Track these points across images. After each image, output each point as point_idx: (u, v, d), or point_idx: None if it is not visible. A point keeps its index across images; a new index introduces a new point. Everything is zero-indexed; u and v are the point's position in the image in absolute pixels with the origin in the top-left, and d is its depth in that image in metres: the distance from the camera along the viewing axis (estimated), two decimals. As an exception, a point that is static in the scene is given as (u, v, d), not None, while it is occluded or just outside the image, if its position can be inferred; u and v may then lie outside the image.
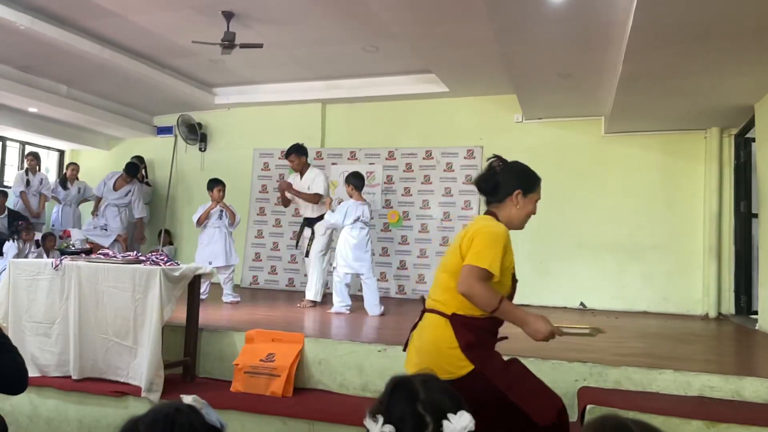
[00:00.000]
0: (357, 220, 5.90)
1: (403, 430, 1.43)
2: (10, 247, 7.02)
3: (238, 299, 6.48)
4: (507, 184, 2.49)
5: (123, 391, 3.78)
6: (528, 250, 7.13)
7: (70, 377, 3.93)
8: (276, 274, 8.64)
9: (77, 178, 9.04)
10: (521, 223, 2.53)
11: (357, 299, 6.16)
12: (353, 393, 3.83)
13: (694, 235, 7.24)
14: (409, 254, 8.07)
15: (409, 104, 8.25)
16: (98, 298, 3.88)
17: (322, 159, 8.52)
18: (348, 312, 5.83)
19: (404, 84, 7.93)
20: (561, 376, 3.43)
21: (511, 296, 2.44)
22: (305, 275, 6.96)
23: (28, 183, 8.50)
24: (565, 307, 7.38)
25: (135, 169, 8.43)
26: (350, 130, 8.67)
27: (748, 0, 3.95)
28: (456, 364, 2.28)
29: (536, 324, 2.30)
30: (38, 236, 7.52)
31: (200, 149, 9.38)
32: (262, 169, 8.98)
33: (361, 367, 3.84)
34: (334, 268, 6.04)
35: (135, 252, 4.49)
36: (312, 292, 6.29)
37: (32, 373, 3.74)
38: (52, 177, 9.62)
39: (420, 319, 2.50)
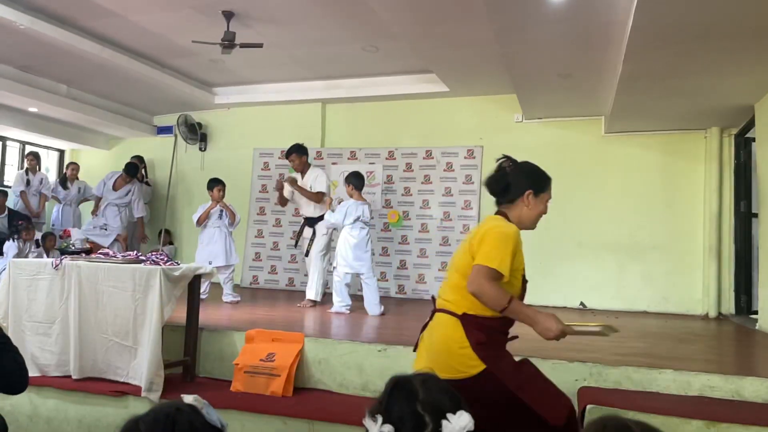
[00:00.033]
0: (357, 219, 5.90)
1: (402, 430, 1.43)
2: (10, 246, 7.02)
3: (238, 299, 6.48)
4: (518, 184, 2.48)
5: (123, 390, 3.78)
6: (528, 249, 7.09)
7: (70, 377, 3.93)
8: (276, 273, 8.64)
9: (77, 178, 9.04)
10: (532, 224, 2.52)
11: (357, 299, 6.16)
12: (353, 393, 3.83)
13: (694, 235, 7.24)
14: (409, 254, 8.07)
15: (409, 104, 8.25)
16: (98, 298, 3.88)
17: (322, 159, 8.52)
18: (348, 312, 5.83)
19: (404, 84, 7.93)
20: (561, 376, 3.43)
21: (521, 297, 2.43)
22: (305, 275, 6.96)
23: (28, 183, 8.50)
24: (565, 307, 7.38)
25: (135, 169, 8.43)
26: (350, 130, 8.67)
27: (748, 0, 3.95)
28: (467, 364, 2.27)
29: (546, 322, 2.29)
30: (38, 236, 7.52)
31: (200, 149, 9.38)
32: (262, 169, 8.98)
33: (361, 366, 3.84)
34: (334, 267, 6.04)
35: (135, 252, 4.49)
36: (312, 292, 6.29)
37: (32, 372, 3.74)
38: (52, 177, 9.62)
39: (430, 319, 2.48)
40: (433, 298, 2.54)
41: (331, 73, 7.98)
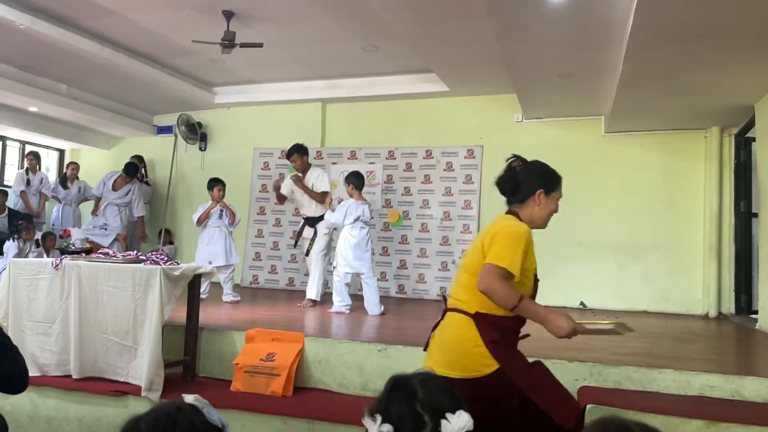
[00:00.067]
0: (357, 219, 5.90)
1: (401, 430, 1.43)
2: (10, 246, 7.02)
3: (238, 299, 6.48)
4: (529, 184, 2.48)
5: (123, 390, 3.78)
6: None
7: (70, 376, 3.93)
8: (276, 273, 8.64)
9: (77, 178, 9.05)
10: (544, 223, 2.52)
11: (357, 299, 6.16)
12: (353, 392, 3.83)
13: (694, 235, 7.24)
14: (409, 254, 8.07)
15: (410, 104, 8.25)
16: (98, 298, 3.89)
17: (323, 158, 8.52)
18: (348, 311, 5.83)
19: (404, 83, 7.93)
20: (561, 375, 3.41)
21: (533, 296, 2.42)
22: (305, 274, 6.96)
23: (28, 182, 8.51)
24: (565, 307, 7.37)
25: (134, 169, 8.42)
26: (350, 130, 8.67)
27: (748, 0, 3.95)
28: (481, 362, 2.27)
29: (558, 321, 2.28)
30: (38, 236, 7.52)
31: (200, 149, 9.37)
32: (262, 169, 8.98)
33: (361, 366, 3.85)
34: (334, 267, 6.04)
35: (135, 251, 4.49)
36: (313, 292, 6.29)
37: (32, 372, 3.74)
38: (53, 176, 9.62)
39: (442, 318, 2.47)
40: (444, 298, 2.53)
41: (331, 73, 7.98)
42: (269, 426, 3.49)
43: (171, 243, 9.26)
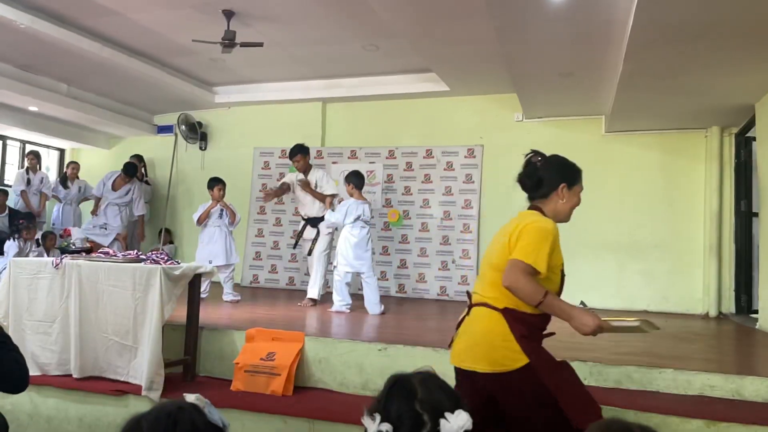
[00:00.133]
0: (357, 219, 5.90)
1: (400, 429, 1.43)
2: (10, 245, 7.03)
3: (239, 298, 6.48)
4: (551, 178, 2.47)
5: (123, 389, 3.78)
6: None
7: (70, 376, 3.93)
8: (276, 273, 8.64)
9: (78, 177, 9.05)
10: (567, 216, 2.51)
11: (357, 298, 6.16)
12: (353, 392, 3.83)
13: (694, 234, 7.24)
14: (409, 253, 8.07)
15: (410, 103, 8.25)
16: (98, 297, 3.89)
17: (323, 158, 8.52)
18: (348, 311, 5.83)
19: (404, 83, 7.93)
20: (561, 375, 3.43)
21: (559, 292, 2.40)
22: (306, 274, 6.96)
23: (28, 182, 8.51)
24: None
25: (133, 169, 8.42)
26: (350, 129, 8.67)
27: (748, 0, 3.95)
28: (510, 357, 2.25)
29: (583, 318, 2.26)
30: (38, 235, 7.52)
31: (200, 148, 9.38)
32: (262, 168, 8.98)
33: (361, 365, 3.85)
34: (334, 267, 6.05)
35: (135, 251, 4.50)
36: (315, 291, 6.30)
37: (33, 371, 3.74)
38: (53, 176, 9.63)
39: (467, 314, 2.44)
40: (468, 294, 2.53)
41: (331, 72, 7.98)
42: (269, 425, 3.49)
43: (171, 242, 9.26)
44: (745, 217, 6.82)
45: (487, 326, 2.33)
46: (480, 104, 7.98)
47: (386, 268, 8.03)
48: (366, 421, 1.45)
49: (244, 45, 6.10)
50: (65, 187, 8.87)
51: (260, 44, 6.24)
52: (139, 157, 9.23)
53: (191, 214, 6.82)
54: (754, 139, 6.49)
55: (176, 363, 4.05)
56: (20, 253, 6.88)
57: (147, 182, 9.33)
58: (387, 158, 8.32)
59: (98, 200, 8.35)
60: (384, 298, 6.31)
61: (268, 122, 8.91)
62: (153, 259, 4.01)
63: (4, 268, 4.66)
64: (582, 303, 2.29)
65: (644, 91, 5.88)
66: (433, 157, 8.13)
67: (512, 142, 7.60)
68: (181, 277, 3.92)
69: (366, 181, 6.37)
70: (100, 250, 4.61)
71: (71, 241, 8.19)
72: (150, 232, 9.21)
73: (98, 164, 9.76)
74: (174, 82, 8.03)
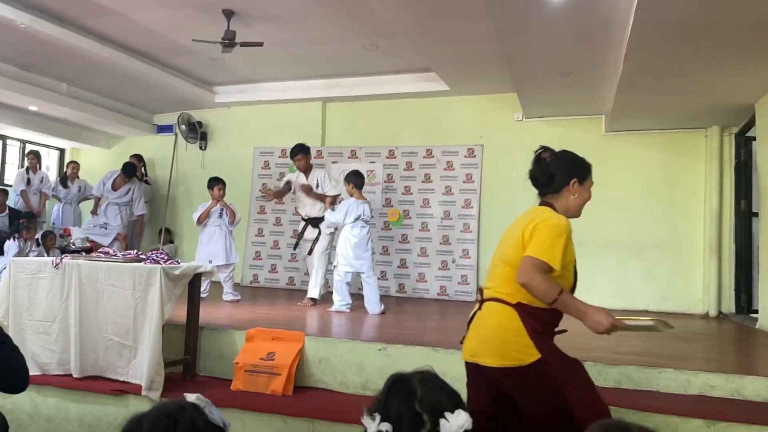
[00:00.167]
0: (358, 218, 5.90)
1: (400, 429, 1.43)
2: (10, 245, 7.03)
3: (239, 298, 6.48)
4: (562, 174, 2.49)
5: (123, 389, 3.78)
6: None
7: (70, 375, 3.94)
8: (276, 272, 8.64)
9: (78, 177, 9.04)
10: (578, 212, 2.53)
11: (357, 298, 6.16)
12: (353, 391, 3.83)
13: (694, 234, 7.24)
14: (409, 253, 8.07)
15: (410, 103, 8.25)
16: (98, 297, 3.89)
17: (323, 157, 8.52)
18: (348, 310, 5.83)
19: (405, 82, 7.93)
20: (561, 374, 3.43)
21: (572, 290, 2.40)
22: (305, 274, 6.96)
23: (28, 181, 8.51)
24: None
25: (132, 169, 8.42)
26: (351, 129, 8.66)
27: (748, 0, 3.95)
28: (523, 351, 2.24)
29: (597, 316, 2.26)
30: (38, 235, 7.53)
31: (200, 148, 9.37)
32: (262, 168, 8.98)
33: (361, 365, 3.85)
34: (334, 266, 6.05)
35: (135, 250, 4.49)
36: (315, 291, 6.30)
37: (33, 371, 3.74)
38: (53, 175, 9.63)
39: (479, 308, 2.44)
40: (480, 290, 2.52)
41: (331, 72, 7.98)
42: (269, 425, 3.49)
43: (171, 242, 9.26)
44: (745, 217, 6.82)
45: (500, 321, 2.32)
46: (480, 104, 7.97)
47: (386, 267, 8.03)
48: (366, 420, 1.45)
49: (244, 45, 6.10)
50: (65, 186, 8.87)
51: (260, 44, 6.24)
52: (138, 157, 9.23)
53: (191, 213, 6.82)
54: (754, 138, 6.48)
55: (176, 363, 4.06)
56: (20, 253, 6.88)
57: (147, 182, 9.32)
58: (387, 158, 8.32)
59: (98, 200, 8.36)
60: (384, 298, 6.31)
61: (268, 122, 8.91)
62: (153, 259, 4.02)
63: (4, 268, 4.66)
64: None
65: (644, 91, 5.88)
66: (433, 156, 8.13)
67: (512, 141, 7.62)
68: (181, 276, 3.93)
69: (366, 180, 6.37)
70: (100, 250, 4.61)
71: (71, 240, 8.19)
72: (150, 231, 9.21)
73: (98, 164, 9.76)
74: (174, 81, 8.02)
